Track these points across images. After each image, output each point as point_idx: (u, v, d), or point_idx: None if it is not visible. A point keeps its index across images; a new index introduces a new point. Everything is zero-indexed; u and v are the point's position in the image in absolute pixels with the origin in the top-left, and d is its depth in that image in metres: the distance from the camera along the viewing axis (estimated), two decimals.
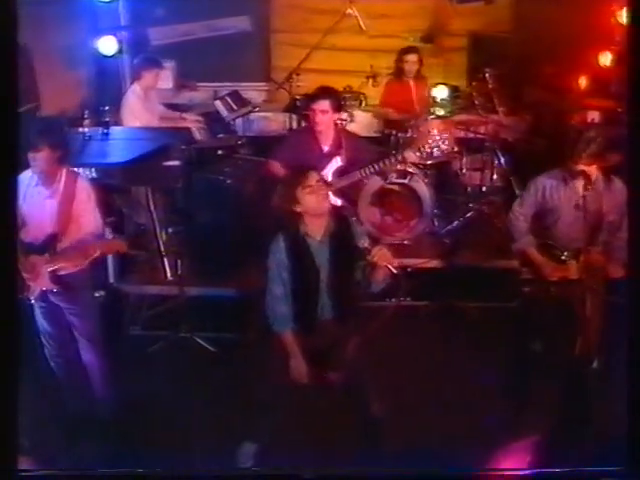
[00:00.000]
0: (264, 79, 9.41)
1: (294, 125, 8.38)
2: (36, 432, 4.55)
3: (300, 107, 7.98)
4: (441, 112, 7.67)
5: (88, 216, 4.89)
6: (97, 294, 5.62)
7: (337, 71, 8.90)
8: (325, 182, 4.71)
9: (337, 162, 6.13)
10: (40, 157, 4.71)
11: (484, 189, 7.88)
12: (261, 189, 6.11)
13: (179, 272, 6.29)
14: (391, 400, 4.81)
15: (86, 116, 6.55)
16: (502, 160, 7.71)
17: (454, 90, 8.30)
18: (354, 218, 6.63)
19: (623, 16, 7.19)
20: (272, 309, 4.55)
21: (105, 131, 6.51)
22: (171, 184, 6.49)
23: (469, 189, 7.88)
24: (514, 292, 5.28)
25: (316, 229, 4.50)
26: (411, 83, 7.98)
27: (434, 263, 6.85)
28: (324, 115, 6.02)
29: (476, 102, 7.78)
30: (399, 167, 6.79)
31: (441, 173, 7.60)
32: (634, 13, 3.77)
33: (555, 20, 7.79)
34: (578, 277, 4.95)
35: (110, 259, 6.28)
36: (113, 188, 6.28)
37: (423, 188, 7.00)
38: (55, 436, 4.94)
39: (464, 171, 7.83)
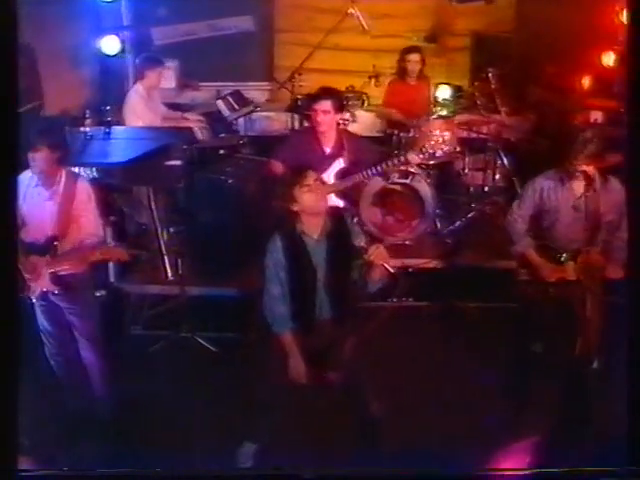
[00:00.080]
0: (267, 79, 9.42)
1: (296, 125, 8.36)
2: (36, 431, 4.56)
3: (302, 107, 7.96)
4: (444, 112, 7.68)
5: (88, 217, 4.90)
6: (98, 293, 5.65)
7: (340, 71, 8.91)
8: (323, 182, 4.70)
9: (339, 164, 6.09)
10: (39, 157, 4.71)
11: (486, 189, 7.88)
12: (263, 189, 6.11)
13: (180, 272, 6.28)
14: (391, 400, 4.82)
15: (88, 115, 6.56)
16: (505, 160, 7.71)
17: (457, 90, 8.30)
18: (355, 218, 6.70)
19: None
20: (270, 309, 4.55)
21: (107, 131, 6.53)
22: (172, 184, 6.51)
23: (471, 189, 7.89)
24: (515, 292, 5.27)
25: (313, 228, 4.50)
26: (413, 83, 7.95)
27: (436, 263, 6.84)
28: (326, 115, 5.99)
29: (478, 102, 7.78)
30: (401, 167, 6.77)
31: (443, 173, 7.60)
32: (634, 13, 3.76)
33: (558, 20, 7.77)
34: (577, 278, 4.94)
35: None
36: (114, 188, 6.31)
37: (425, 188, 6.99)
38: (55, 436, 4.94)
39: (466, 171, 7.83)
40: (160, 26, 8.78)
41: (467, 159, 7.77)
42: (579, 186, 4.94)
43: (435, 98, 8.04)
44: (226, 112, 8.05)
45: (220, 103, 8.07)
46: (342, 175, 6.10)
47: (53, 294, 4.82)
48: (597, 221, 4.88)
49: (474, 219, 7.52)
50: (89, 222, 4.90)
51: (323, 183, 4.67)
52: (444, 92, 8.07)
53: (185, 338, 6.14)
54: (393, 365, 5.52)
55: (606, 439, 4.46)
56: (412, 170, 6.89)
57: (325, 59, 8.65)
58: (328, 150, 6.12)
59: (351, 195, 6.33)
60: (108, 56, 7.65)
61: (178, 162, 6.36)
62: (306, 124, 7.55)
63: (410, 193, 7.07)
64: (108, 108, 6.82)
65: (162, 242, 6.60)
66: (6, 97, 3.74)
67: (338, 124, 6.28)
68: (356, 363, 4.51)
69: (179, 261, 6.30)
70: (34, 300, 4.84)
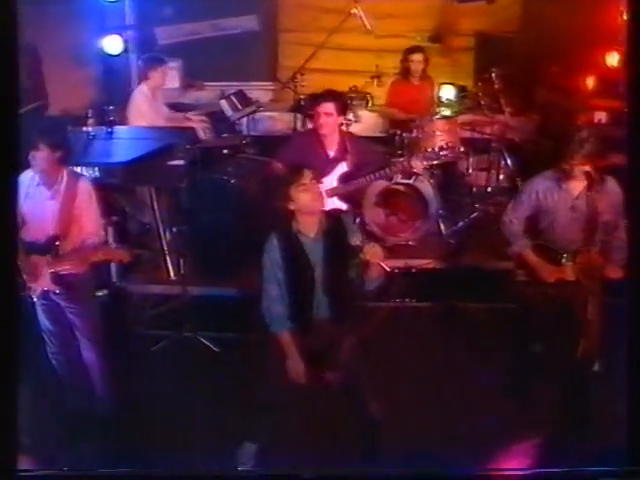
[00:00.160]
0: (271, 79, 9.41)
1: (300, 125, 8.37)
2: (37, 431, 4.57)
3: (305, 107, 7.95)
4: (447, 112, 7.66)
5: (89, 216, 4.91)
6: (100, 293, 5.66)
7: (343, 71, 8.91)
8: (320, 181, 4.69)
9: (342, 167, 6.07)
10: (40, 157, 4.72)
11: (490, 190, 7.86)
12: (265, 189, 6.10)
13: (182, 271, 6.30)
14: (392, 401, 4.81)
15: (90, 115, 6.56)
16: (508, 161, 7.70)
17: (461, 90, 8.27)
18: (358, 218, 6.71)
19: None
20: (268, 309, 4.56)
21: (109, 130, 6.52)
22: (175, 184, 6.50)
23: (475, 190, 7.87)
24: (517, 293, 5.26)
25: (309, 227, 4.51)
26: (417, 83, 7.94)
27: (439, 264, 6.83)
28: (328, 118, 5.96)
29: (482, 102, 7.75)
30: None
31: (447, 173, 7.58)
32: (634, 13, 3.75)
33: (562, 20, 7.76)
34: (576, 278, 4.94)
35: None
36: (117, 187, 6.30)
37: (428, 188, 6.97)
38: (56, 435, 4.95)
39: (470, 171, 7.81)
40: (164, 26, 8.78)
41: (471, 159, 7.76)
42: (576, 186, 4.93)
43: (439, 98, 8.02)
44: (229, 112, 8.03)
45: (223, 103, 8.06)
46: (345, 179, 6.08)
47: (54, 293, 4.82)
48: (595, 221, 4.87)
49: (477, 220, 7.50)
50: (90, 222, 4.90)
51: (319, 182, 4.66)
52: (448, 92, 8.05)
53: (187, 338, 6.14)
54: (394, 366, 5.51)
55: (606, 439, 4.45)
56: (415, 170, 6.87)
57: (328, 59, 8.66)
58: (331, 153, 6.10)
59: (354, 195, 6.32)
60: (111, 56, 7.65)
61: (181, 162, 6.34)
62: (309, 124, 7.53)
63: (413, 193, 7.06)
64: (111, 108, 6.81)
65: (164, 242, 6.62)
66: (7, 97, 3.75)
67: (341, 126, 6.26)
68: (355, 363, 4.50)
69: (181, 261, 6.31)
70: (35, 299, 4.84)
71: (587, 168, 4.80)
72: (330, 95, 6.05)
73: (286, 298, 4.53)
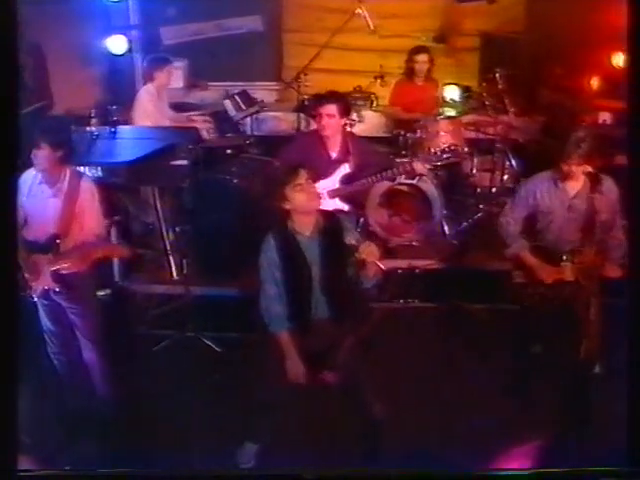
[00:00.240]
0: (275, 78, 9.42)
1: (303, 125, 8.36)
2: (37, 430, 4.58)
3: (309, 107, 7.94)
4: (451, 113, 7.62)
5: (91, 215, 4.91)
6: (102, 293, 5.67)
7: (347, 71, 8.90)
8: (315, 180, 4.69)
9: (345, 169, 6.06)
10: (41, 155, 4.73)
11: (494, 190, 7.83)
12: (265, 189, 6.09)
13: (185, 271, 6.30)
14: (394, 401, 4.81)
15: (94, 115, 6.57)
16: (512, 162, 7.67)
17: (465, 90, 8.23)
18: (361, 219, 6.71)
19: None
20: (266, 309, 4.58)
21: (113, 130, 6.52)
22: (178, 183, 6.50)
23: (479, 190, 7.83)
24: (517, 294, 5.25)
25: (305, 226, 4.52)
26: (421, 83, 7.93)
27: (442, 264, 6.81)
28: (331, 119, 5.95)
29: (487, 103, 7.73)
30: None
31: (451, 174, 7.56)
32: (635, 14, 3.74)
33: (567, 20, 7.74)
34: (575, 278, 4.93)
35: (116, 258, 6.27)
36: (120, 187, 6.31)
37: (432, 189, 6.96)
38: (56, 435, 4.95)
39: (474, 172, 7.79)
40: (168, 26, 8.79)
41: (475, 160, 7.72)
42: (573, 186, 4.92)
43: (443, 98, 8.00)
44: (233, 112, 8.04)
45: (227, 103, 8.06)
46: (347, 180, 6.07)
47: (55, 293, 4.82)
48: (592, 221, 4.86)
49: (481, 220, 7.47)
50: (92, 220, 4.90)
51: (315, 182, 4.66)
52: (452, 92, 8.01)
53: (190, 338, 6.13)
54: (397, 366, 5.51)
55: (606, 439, 4.45)
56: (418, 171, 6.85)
57: (332, 59, 8.67)
58: (334, 155, 6.09)
59: (356, 196, 6.31)
60: (115, 56, 7.64)
61: (184, 162, 6.35)
62: (313, 125, 7.52)
63: (417, 194, 7.05)
64: (115, 107, 6.82)
65: (167, 242, 6.62)
66: (7, 97, 3.75)
67: (344, 127, 6.23)
68: (355, 362, 4.50)
69: (184, 261, 6.31)
70: (36, 299, 4.85)
71: (584, 168, 4.80)
72: (332, 96, 6.04)
73: (284, 297, 4.53)
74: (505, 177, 7.81)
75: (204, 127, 7.56)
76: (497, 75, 7.66)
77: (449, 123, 7.35)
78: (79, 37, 7.46)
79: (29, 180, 4.87)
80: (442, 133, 7.23)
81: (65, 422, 5.08)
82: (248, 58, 8.94)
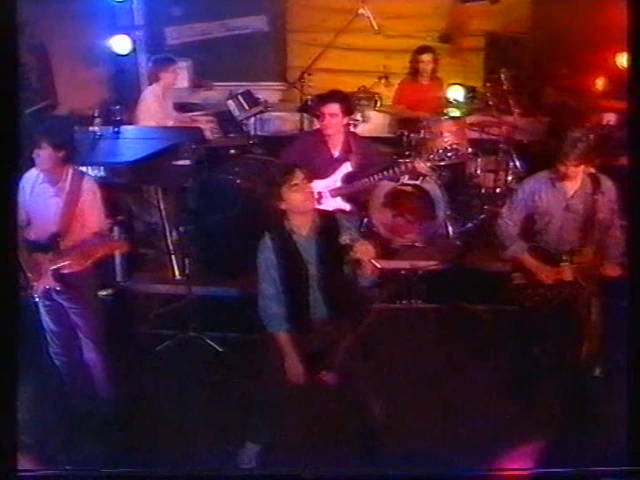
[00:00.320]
0: (280, 79, 9.41)
1: (307, 125, 8.36)
2: (37, 430, 4.58)
3: (312, 107, 7.94)
4: (456, 113, 7.60)
5: (93, 214, 4.90)
6: (105, 292, 5.67)
7: (351, 71, 8.89)
8: (311, 180, 4.69)
9: (347, 168, 6.06)
10: (43, 155, 4.72)
11: (498, 191, 7.80)
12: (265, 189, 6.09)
13: (187, 271, 6.30)
14: (395, 401, 4.83)
15: (97, 115, 6.57)
16: (517, 162, 7.65)
17: (470, 91, 8.21)
18: (364, 219, 6.70)
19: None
20: (265, 310, 4.58)
21: (116, 130, 6.53)
22: (181, 183, 6.51)
23: (483, 191, 7.81)
24: (518, 295, 5.23)
25: (301, 226, 4.51)
26: (425, 83, 7.92)
27: (445, 265, 6.79)
28: (333, 118, 5.96)
29: (491, 103, 7.71)
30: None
31: (455, 174, 7.53)
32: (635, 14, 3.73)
33: (572, 21, 7.72)
34: (574, 279, 4.92)
35: (118, 257, 6.25)
36: (123, 187, 6.32)
37: (435, 189, 6.95)
38: (56, 435, 4.95)
39: (478, 172, 7.77)
40: (173, 26, 8.80)
41: (479, 161, 7.70)
42: (570, 186, 4.92)
43: (447, 99, 7.98)
44: (236, 112, 8.04)
45: (230, 103, 8.06)
46: (349, 179, 6.07)
47: (56, 293, 4.82)
48: (590, 220, 4.86)
49: (485, 221, 7.44)
50: (93, 219, 4.90)
51: (311, 182, 4.66)
52: (456, 93, 7.98)
53: (192, 337, 6.14)
54: (398, 366, 5.52)
55: (606, 439, 4.45)
56: (421, 171, 6.84)
57: (336, 59, 8.67)
58: (336, 154, 6.10)
59: (358, 196, 6.30)
60: (120, 56, 7.65)
61: (187, 162, 6.36)
62: (317, 125, 7.52)
63: (421, 194, 7.04)
64: (118, 107, 6.82)
65: (170, 241, 6.63)
66: (9, 96, 3.76)
67: (346, 127, 6.24)
68: (354, 363, 4.49)
69: (187, 260, 6.31)
70: (38, 299, 4.85)
71: (581, 168, 4.79)
72: (335, 96, 6.05)
73: (282, 297, 4.53)
74: (509, 178, 7.78)
75: (207, 127, 7.57)
76: (502, 75, 7.64)
77: (453, 123, 7.35)
78: (83, 37, 7.48)
79: (31, 180, 4.87)
80: (446, 133, 7.22)
81: (66, 422, 5.08)
82: (252, 58, 8.94)
